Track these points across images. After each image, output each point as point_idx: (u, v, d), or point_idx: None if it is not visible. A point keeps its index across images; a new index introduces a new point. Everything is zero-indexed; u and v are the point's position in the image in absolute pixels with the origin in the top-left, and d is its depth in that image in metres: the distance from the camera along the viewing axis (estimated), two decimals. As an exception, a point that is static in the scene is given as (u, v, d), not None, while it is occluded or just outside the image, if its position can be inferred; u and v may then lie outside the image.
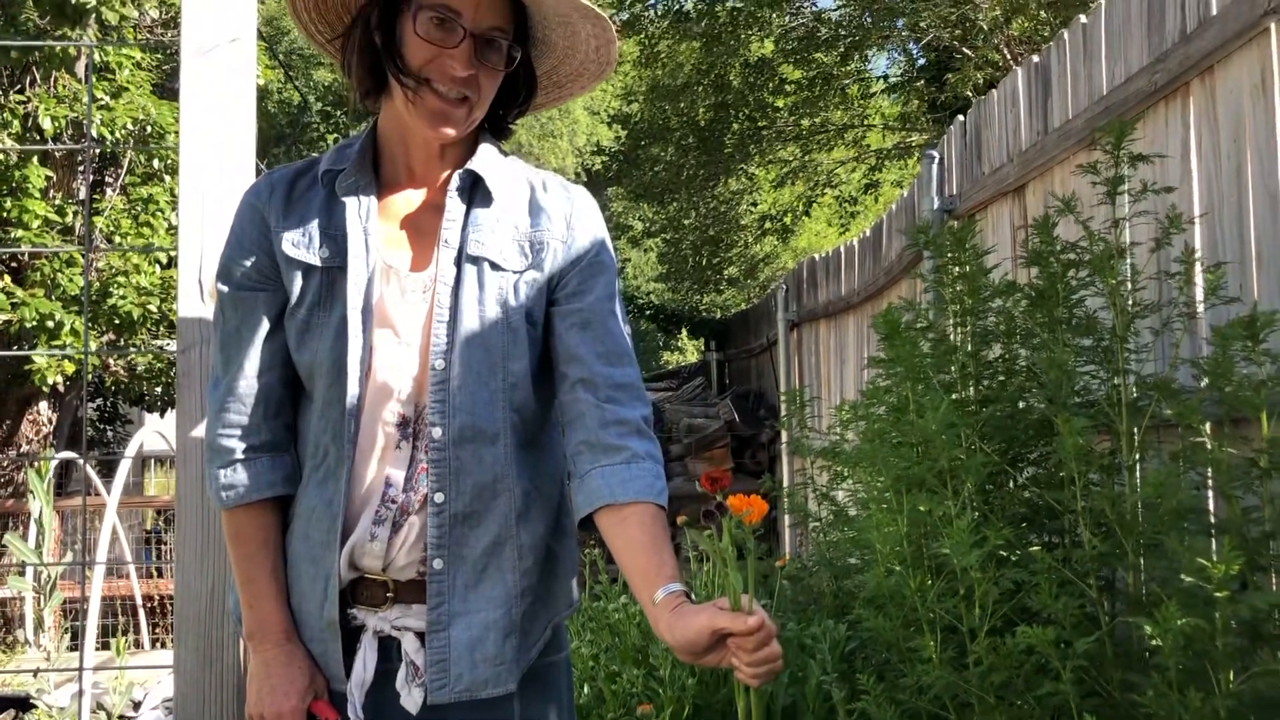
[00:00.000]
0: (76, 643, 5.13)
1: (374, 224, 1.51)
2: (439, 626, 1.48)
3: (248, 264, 1.53)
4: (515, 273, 1.53)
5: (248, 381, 1.53)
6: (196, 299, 1.90)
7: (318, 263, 1.50)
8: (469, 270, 1.50)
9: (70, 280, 6.71)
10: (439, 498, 1.48)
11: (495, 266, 1.52)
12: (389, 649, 1.51)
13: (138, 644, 6.17)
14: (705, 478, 1.36)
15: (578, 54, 1.59)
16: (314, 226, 1.51)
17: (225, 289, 1.54)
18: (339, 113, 17.25)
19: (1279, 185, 2.16)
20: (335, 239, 1.51)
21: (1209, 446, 1.74)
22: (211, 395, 1.57)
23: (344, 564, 1.49)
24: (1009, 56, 9.86)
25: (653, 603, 1.37)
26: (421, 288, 1.51)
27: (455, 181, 1.53)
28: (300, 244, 1.51)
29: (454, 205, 1.53)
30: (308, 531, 1.52)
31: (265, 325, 1.53)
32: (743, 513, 1.27)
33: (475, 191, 1.55)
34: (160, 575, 7.10)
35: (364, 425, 1.49)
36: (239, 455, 1.53)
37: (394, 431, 1.49)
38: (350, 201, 1.51)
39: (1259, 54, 2.24)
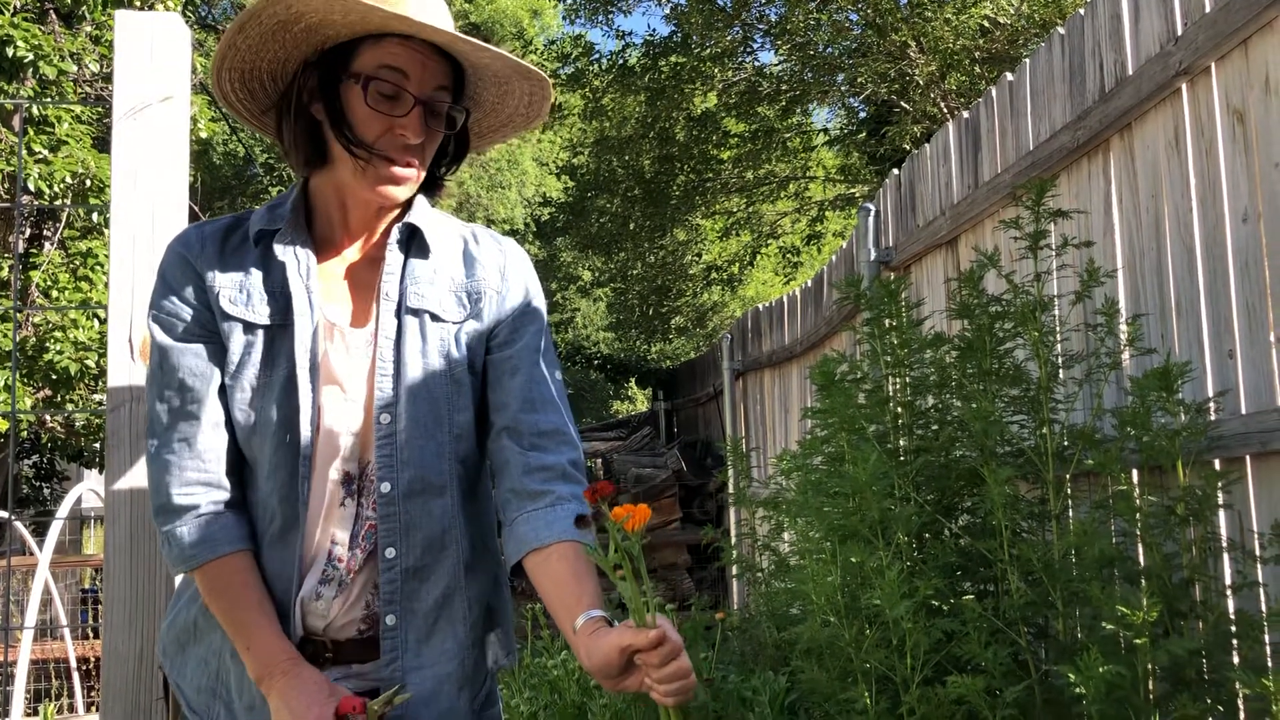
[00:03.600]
0: (4, 708, 4.98)
1: (314, 281, 1.50)
2: (393, 683, 1.46)
3: (188, 316, 1.48)
4: (455, 324, 1.54)
5: (206, 436, 1.46)
6: (126, 358, 1.88)
7: (260, 321, 1.47)
8: (410, 322, 1.51)
9: (4, 335, 6.59)
10: (390, 553, 1.47)
11: (435, 318, 1.52)
12: None
13: (71, 708, 6.00)
14: (587, 490, 1.30)
15: (506, 109, 1.61)
16: (251, 284, 1.49)
17: (167, 341, 1.48)
18: (283, 165, 17.17)
19: (1195, 239, 2.24)
20: (275, 297, 1.49)
21: (1130, 494, 1.78)
22: (157, 451, 1.48)
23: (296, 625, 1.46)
24: (945, 110, 10.08)
25: (573, 630, 1.37)
26: (364, 342, 1.50)
27: (395, 234, 1.54)
28: (239, 301, 1.48)
29: (393, 258, 1.53)
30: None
31: (216, 377, 1.47)
32: (623, 520, 1.22)
33: (412, 244, 1.56)
34: (97, 636, 6.92)
35: (314, 485, 1.46)
36: (204, 511, 1.45)
37: (338, 489, 1.48)
38: (289, 260, 1.49)
39: (1173, 112, 2.33)
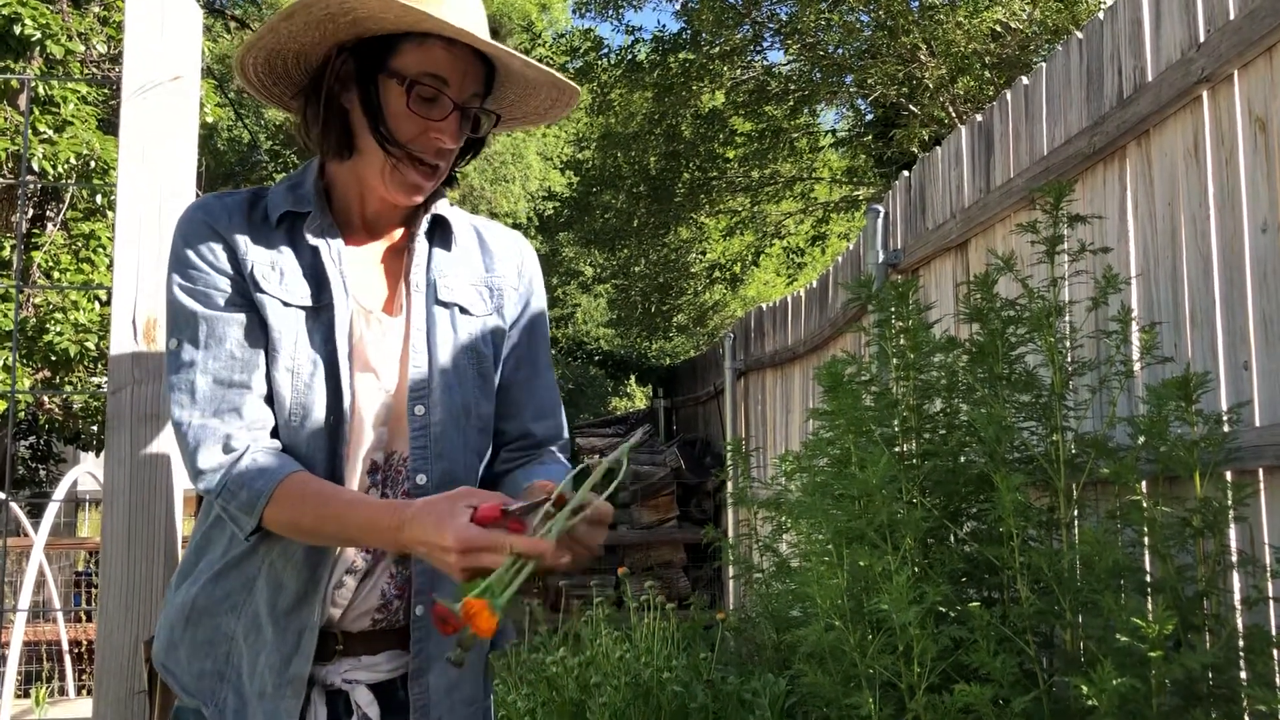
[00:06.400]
0: (-3, 690, 4.95)
1: (346, 266, 1.48)
2: (419, 673, 1.46)
3: (226, 286, 1.43)
4: (481, 318, 1.55)
5: (256, 407, 1.41)
6: (130, 340, 1.86)
7: (296, 301, 1.44)
8: (441, 314, 1.51)
9: (5, 315, 6.57)
10: None
11: (465, 311, 1.53)
12: (335, 703, 1.46)
13: (62, 691, 5.97)
14: (436, 620, 1.24)
15: (526, 106, 1.61)
16: (284, 263, 1.46)
17: (207, 311, 1.42)
18: (288, 151, 17.11)
19: (1212, 248, 2.21)
20: (308, 279, 1.46)
21: (1144, 505, 1.75)
22: (201, 422, 1.40)
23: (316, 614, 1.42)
24: (954, 114, 10.06)
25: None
26: (397, 331, 1.49)
27: (422, 225, 1.54)
28: (271, 278, 1.44)
29: (420, 248, 1.53)
30: (281, 579, 1.44)
31: (262, 349, 1.43)
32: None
33: (436, 235, 1.56)
34: (89, 619, 6.89)
35: (346, 473, 1.44)
36: (260, 447, 1.39)
37: (365, 478, 1.46)
38: (320, 244, 1.47)
39: (1193, 120, 2.30)
